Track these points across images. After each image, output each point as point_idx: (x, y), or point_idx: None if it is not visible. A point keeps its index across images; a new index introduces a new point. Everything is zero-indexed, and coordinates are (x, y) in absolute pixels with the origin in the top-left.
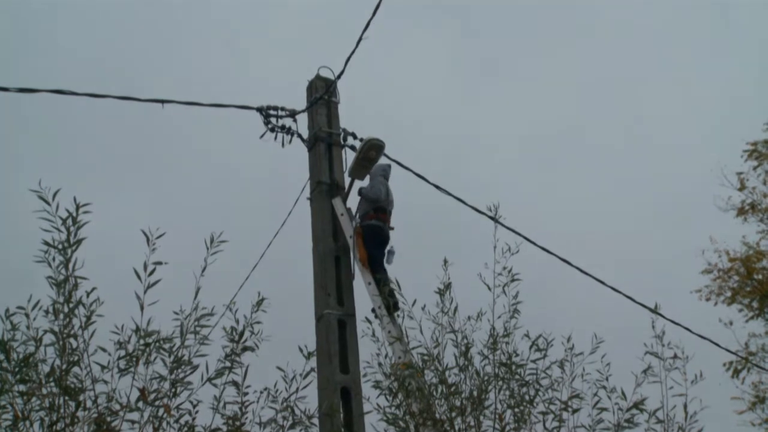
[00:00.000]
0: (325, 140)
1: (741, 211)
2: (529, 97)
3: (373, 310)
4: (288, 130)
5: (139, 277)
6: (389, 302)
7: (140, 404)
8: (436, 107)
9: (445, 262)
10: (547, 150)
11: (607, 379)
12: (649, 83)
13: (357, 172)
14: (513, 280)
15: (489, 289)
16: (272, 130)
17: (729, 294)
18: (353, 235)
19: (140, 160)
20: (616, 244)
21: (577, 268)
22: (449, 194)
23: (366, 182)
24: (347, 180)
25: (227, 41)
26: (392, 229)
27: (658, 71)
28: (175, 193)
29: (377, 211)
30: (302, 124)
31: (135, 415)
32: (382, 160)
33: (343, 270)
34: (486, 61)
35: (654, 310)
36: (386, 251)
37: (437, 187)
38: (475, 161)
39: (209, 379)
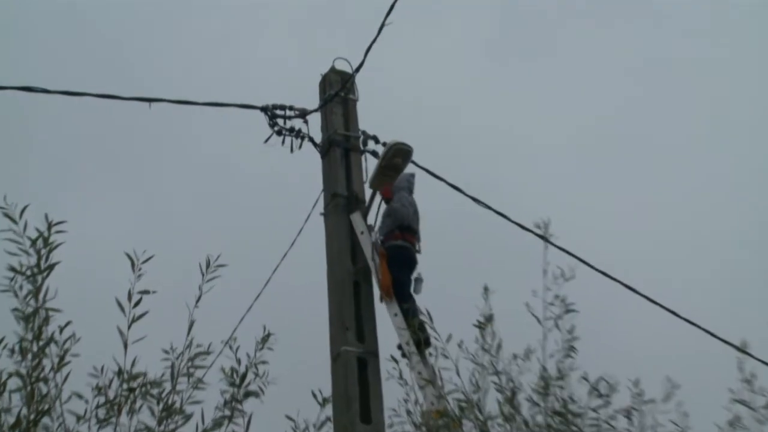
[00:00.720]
0: (341, 145)
1: None
2: (581, 85)
3: (400, 347)
4: (298, 133)
5: (122, 308)
6: (419, 337)
7: None
8: (470, 104)
9: (486, 290)
10: (603, 149)
11: None
12: (733, 66)
13: (379, 182)
14: (568, 312)
15: (539, 322)
16: (279, 133)
17: None
18: (376, 257)
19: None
20: (690, 263)
21: (646, 297)
22: (489, 208)
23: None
24: (368, 192)
25: (229, 34)
26: (419, 251)
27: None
28: (168, 206)
29: (403, 231)
30: (314, 125)
31: None
32: (408, 169)
33: (364, 299)
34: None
35: (741, 349)
36: (414, 278)
37: (475, 199)
38: (518, 164)
39: (205, 431)
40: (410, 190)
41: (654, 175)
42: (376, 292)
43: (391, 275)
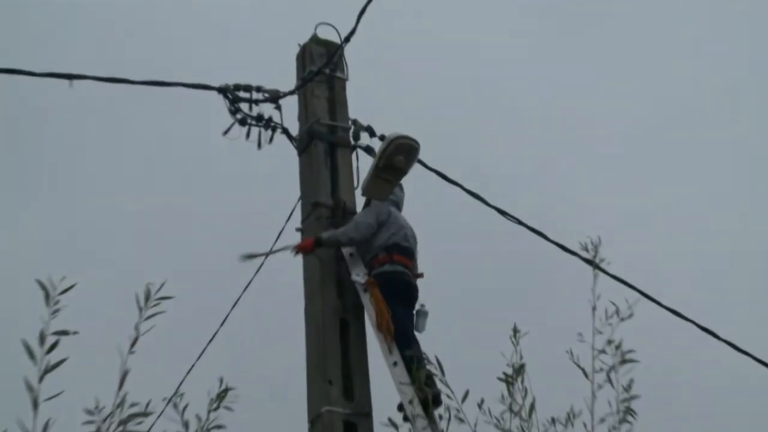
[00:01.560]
0: (325, 138)
1: None
2: (644, 63)
3: (401, 408)
4: (267, 123)
5: (31, 354)
6: (426, 395)
7: None
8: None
9: (515, 332)
10: (666, 142)
11: None
12: None
13: (376, 189)
14: (624, 362)
15: (585, 375)
16: (242, 122)
17: None
18: (368, 288)
19: (36, 160)
20: None
21: (730, 344)
22: (521, 223)
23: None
24: (360, 201)
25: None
26: (421, 276)
27: None
28: (96, 215)
29: (391, 252)
30: (290, 112)
31: None
32: (413, 172)
33: (354, 343)
34: (573, 12)
35: None
36: (416, 312)
37: (501, 211)
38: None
39: None
40: (398, 204)
41: (736, 175)
42: (371, 332)
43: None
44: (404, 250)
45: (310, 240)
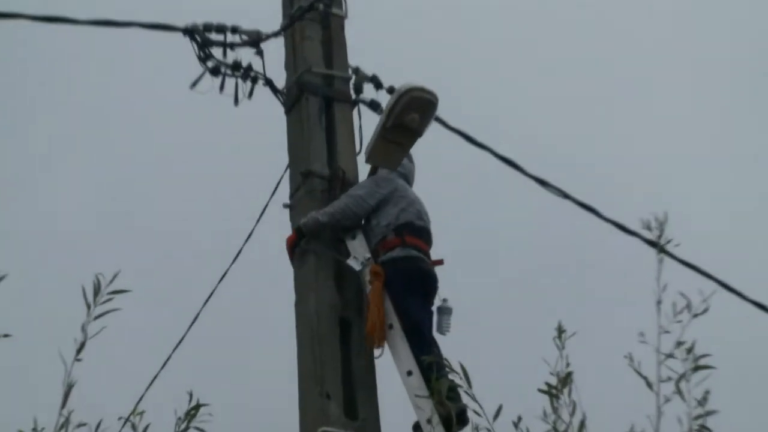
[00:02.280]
0: (318, 91)
1: None
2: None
3: (418, 427)
4: (246, 72)
5: None
6: (449, 411)
7: None
8: (533, 24)
9: (560, 332)
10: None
11: None
12: None
13: (383, 153)
14: (697, 369)
15: (648, 386)
16: (215, 71)
17: None
18: (370, 279)
19: None
20: None
21: None
22: (567, 197)
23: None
24: (364, 169)
25: None
26: (440, 263)
27: None
28: (35, 188)
29: (402, 233)
30: (275, 59)
31: None
32: (430, 134)
33: (357, 348)
34: None
35: None
36: (436, 308)
37: (541, 181)
38: (615, 125)
39: None
40: (407, 177)
41: None
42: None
43: (398, 309)
44: (419, 231)
45: (291, 235)
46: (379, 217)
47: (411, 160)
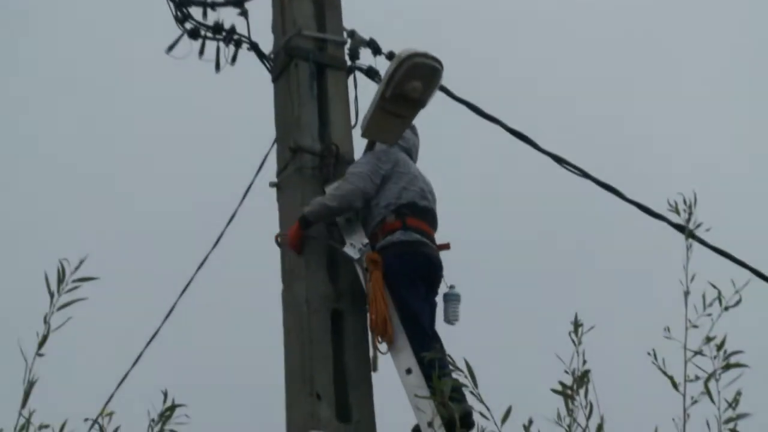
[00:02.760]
0: (310, 57)
1: None
2: None
3: (417, 431)
4: (229, 35)
5: None
6: (453, 413)
7: None
8: None
9: (577, 326)
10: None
11: None
12: None
13: (381, 126)
14: (728, 367)
15: (674, 386)
16: (194, 34)
17: None
18: (366, 267)
19: None
20: None
21: None
22: (588, 176)
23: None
24: (360, 144)
25: None
26: (446, 247)
27: None
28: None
29: (403, 214)
30: (261, 20)
31: None
32: (432, 106)
33: (351, 343)
34: None
35: None
36: (442, 295)
37: (560, 159)
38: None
39: None
40: (409, 151)
41: None
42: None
43: (398, 301)
44: (422, 212)
45: (293, 226)
46: (378, 197)
47: (415, 133)
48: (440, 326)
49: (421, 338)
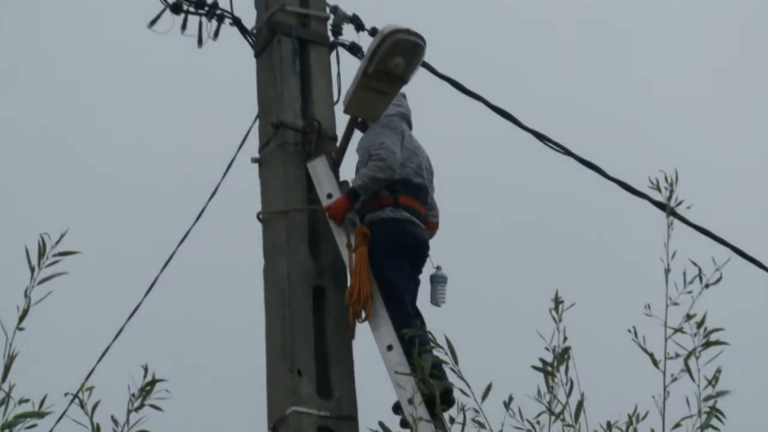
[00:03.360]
0: (292, 32)
1: None
2: None
3: (398, 408)
4: (211, 10)
5: None
6: (433, 390)
7: None
8: None
9: (558, 304)
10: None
11: None
12: None
13: (363, 102)
14: (708, 345)
15: (654, 363)
16: (176, 8)
17: None
18: (351, 242)
19: None
20: None
21: None
22: (570, 154)
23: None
24: (341, 120)
25: None
26: (434, 227)
27: None
28: None
29: (397, 191)
30: None
31: None
32: (417, 80)
33: (332, 320)
34: None
35: None
36: (429, 277)
37: (542, 137)
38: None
39: None
40: (408, 121)
41: None
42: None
43: (381, 278)
44: (415, 190)
45: (342, 198)
46: (373, 175)
47: (405, 97)
48: (423, 305)
49: (403, 316)
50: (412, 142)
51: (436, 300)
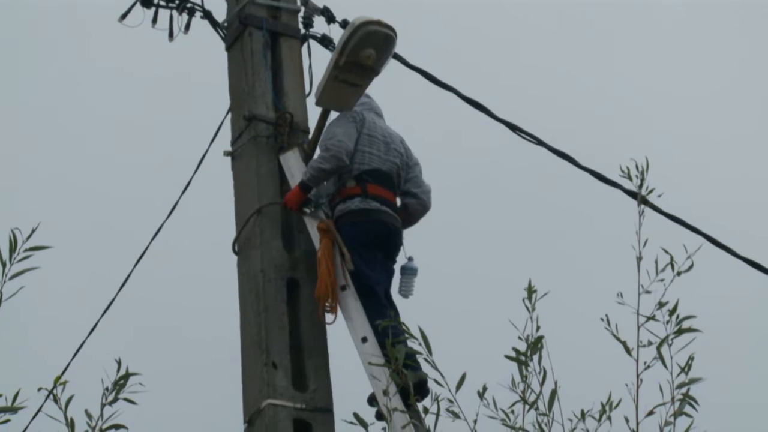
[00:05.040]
0: (263, 25)
1: None
2: None
3: (373, 400)
4: (182, 3)
5: None
6: (407, 381)
7: None
8: None
9: (531, 293)
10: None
11: None
12: None
13: (335, 94)
14: (680, 332)
15: (627, 352)
16: (147, 2)
17: None
18: (328, 230)
19: None
20: None
21: None
22: (543, 144)
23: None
24: (314, 112)
25: None
26: (407, 220)
27: None
28: None
29: (364, 180)
30: None
31: None
32: (390, 70)
33: (307, 312)
34: None
35: None
36: (399, 268)
37: (514, 127)
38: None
39: None
40: (376, 109)
41: None
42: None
43: (353, 268)
44: (383, 178)
45: (294, 189)
46: (326, 165)
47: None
48: (396, 294)
49: (377, 306)
50: (377, 128)
51: (404, 291)
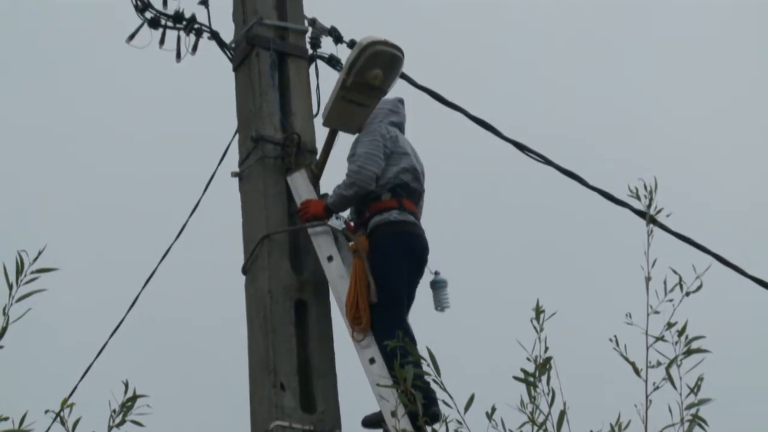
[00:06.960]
0: (271, 46)
1: None
2: None
3: (378, 421)
4: (190, 25)
5: None
6: (417, 402)
7: None
8: None
9: (539, 313)
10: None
11: None
12: None
13: (342, 115)
14: (689, 353)
15: (636, 372)
16: (154, 23)
17: None
18: (333, 256)
19: None
20: None
21: None
22: (550, 163)
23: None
24: (321, 133)
25: None
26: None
27: None
28: None
29: (399, 194)
30: (221, 10)
31: None
32: (399, 91)
33: (315, 333)
34: None
35: None
36: (429, 283)
37: (522, 147)
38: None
39: None
40: (399, 125)
41: None
42: (337, 318)
43: (387, 281)
44: (414, 194)
45: (321, 203)
46: (358, 186)
47: (403, 104)
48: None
49: (398, 325)
50: (407, 148)
51: (440, 305)
